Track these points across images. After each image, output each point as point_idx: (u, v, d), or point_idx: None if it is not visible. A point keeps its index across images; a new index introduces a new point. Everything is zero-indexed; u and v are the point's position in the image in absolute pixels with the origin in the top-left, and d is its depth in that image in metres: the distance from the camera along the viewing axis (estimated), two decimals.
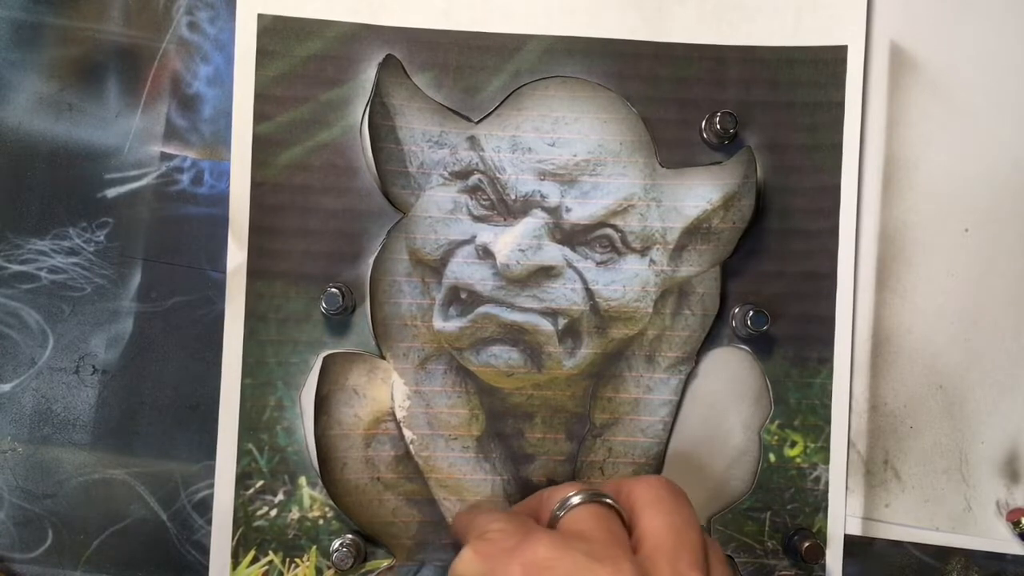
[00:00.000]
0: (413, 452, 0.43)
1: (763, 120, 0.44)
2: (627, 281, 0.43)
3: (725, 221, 0.44)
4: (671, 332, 0.44)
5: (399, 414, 0.43)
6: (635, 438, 0.44)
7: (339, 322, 0.43)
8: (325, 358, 0.43)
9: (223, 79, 0.44)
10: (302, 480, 0.43)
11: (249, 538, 0.43)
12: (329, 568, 0.43)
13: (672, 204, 0.44)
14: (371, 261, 0.43)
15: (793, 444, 0.44)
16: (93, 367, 0.44)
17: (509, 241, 0.43)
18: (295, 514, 0.43)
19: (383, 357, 0.43)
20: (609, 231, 0.43)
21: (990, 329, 0.45)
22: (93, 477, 0.43)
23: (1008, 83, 0.45)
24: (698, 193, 0.44)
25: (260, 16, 0.43)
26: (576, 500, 0.35)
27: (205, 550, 0.43)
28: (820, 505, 0.44)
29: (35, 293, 0.44)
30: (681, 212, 0.44)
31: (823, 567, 0.44)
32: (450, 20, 0.44)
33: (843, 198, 0.44)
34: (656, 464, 0.44)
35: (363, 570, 0.43)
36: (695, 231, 0.44)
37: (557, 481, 0.44)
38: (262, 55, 0.43)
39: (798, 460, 0.44)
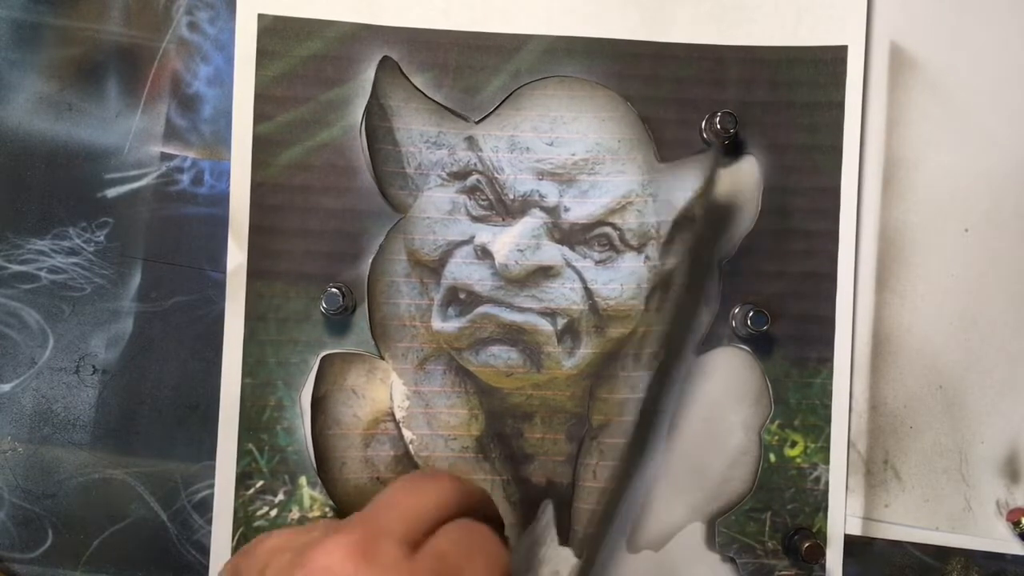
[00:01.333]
0: (412, 452, 0.43)
1: (763, 120, 0.44)
2: (625, 279, 0.43)
3: (712, 212, 0.44)
4: (658, 328, 0.44)
5: (398, 414, 0.43)
6: (620, 440, 0.44)
7: (339, 322, 0.43)
8: (323, 358, 0.43)
9: (223, 79, 0.44)
10: (302, 480, 0.43)
11: (249, 538, 0.43)
12: None
13: (666, 197, 0.44)
14: (371, 261, 0.43)
15: (793, 444, 0.44)
16: (93, 367, 0.44)
17: (508, 241, 0.43)
18: (295, 514, 0.43)
19: (382, 357, 0.43)
20: (608, 229, 0.43)
21: (990, 329, 0.45)
22: (93, 477, 0.43)
23: (1008, 83, 0.45)
24: (687, 184, 0.44)
25: (260, 16, 0.43)
26: None
27: (205, 550, 0.43)
28: (820, 505, 0.44)
29: (35, 293, 0.44)
30: (672, 204, 0.44)
31: (823, 567, 0.44)
32: (450, 20, 0.44)
33: (843, 198, 0.44)
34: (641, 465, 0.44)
35: None
36: (682, 221, 0.44)
37: (557, 482, 0.44)
38: (262, 55, 0.43)
39: (798, 460, 0.44)
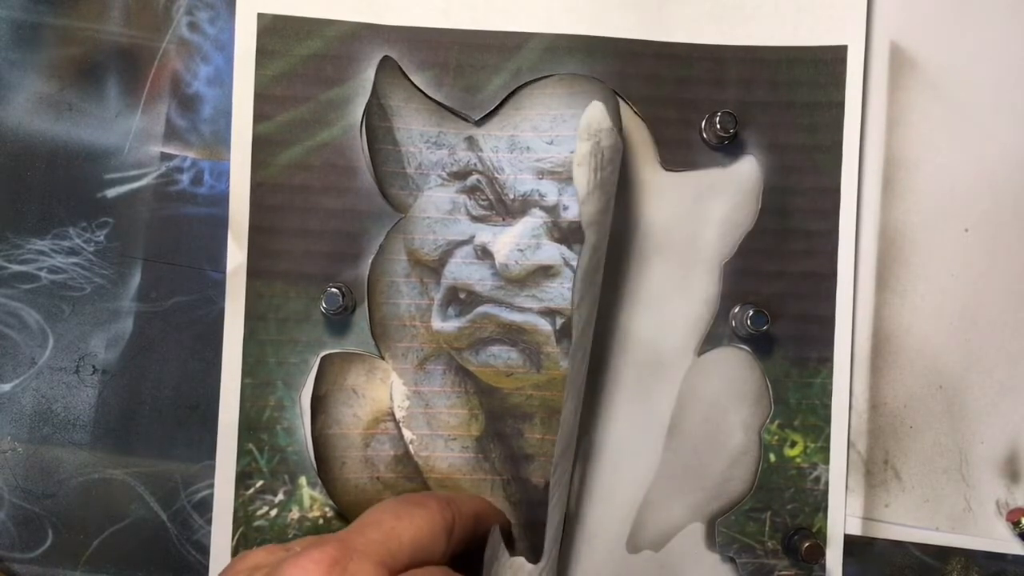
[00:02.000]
0: (412, 452, 0.43)
1: (763, 120, 0.44)
2: None
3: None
4: None
5: (398, 414, 0.43)
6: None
7: (339, 322, 0.43)
8: (323, 358, 0.43)
9: (223, 79, 0.44)
10: (302, 480, 0.43)
11: (249, 538, 0.43)
12: None
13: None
14: (371, 261, 0.43)
15: (793, 444, 0.44)
16: (93, 367, 0.44)
17: (508, 241, 0.43)
18: (295, 514, 0.43)
19: (382, 357, 0.43)
20: None
21: (990, 329, 0.45)
22: (93, 477, 0.43)
23: (1008, 83, 0.45)
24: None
25: (260, 15, 0.43)
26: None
27: (205, 550, 0.43)
28: (820, 505, 0.44)
29: (35, 293, 0.44)
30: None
31: (823, 567, 0.44)
32: (450, 19, 0.44)
33: (843, 198, 0.44)
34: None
35: None
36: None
37: None
38: (262, 55, 0.43)
39: (798, 460, 0.44)
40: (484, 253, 0.43)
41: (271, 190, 0.43)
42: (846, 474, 0.44)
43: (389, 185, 0.43)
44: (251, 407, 0.43)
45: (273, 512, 0.43)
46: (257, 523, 0.43)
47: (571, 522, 0.44)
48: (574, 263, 0.43)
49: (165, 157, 0.44)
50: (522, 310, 0.43)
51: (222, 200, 0.44)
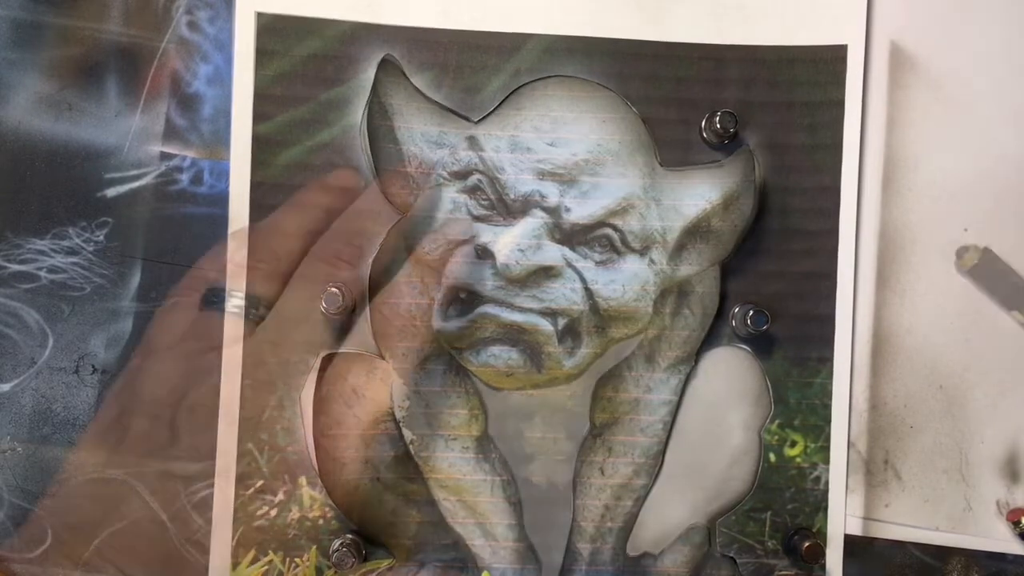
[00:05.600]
0: (412, 452, 0.43)
1: (763, 120, 0.44)
2: (627, 281, 0.43)
3: (724, 221, 0.44)
4: (671, 332, 0.44)
5: (398, 414, 0.43)
6: (635, 437, 0.44)
7: (339, 322, 0.43)
8: (324, 358, 0.43)
9: (223, 78, 0.44)
10: (302, 480, 0.43)
11: (249, 538, 0.43)
12: (329, 568, 0.43)
13: (671, 203, 0.44)
14: (371, 261, 0.43)
15: (793, 444, 0.44)
16: (93, 367, 0.44)
17: (508, 241, 0.43)
18: (295, 514, 0.43)
19: (383, 357, 0.43)
20: (608, 231, 0.43)
21: (990, 329, 0.45)
22: (93, 477, 0.43)
23: (1008, 83, 0.45)
24: (697, 192, 0.44)
25: (259, 15, 0.43)
26: None
27: (205, 550, 0.43)
28: (820, 505, 0.44)
29: (35, 293, 0.44)
30: (680, 211, 0.44)
31: (823, 567, 0.44)
32: (450, 19, 0.44)
33: (843, 198, 0.44)
34: (655, 463, 0.44)
35: (363, 570, 0.43)
36: (695, 231, 0.44)
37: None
38: (261, 54, 0.43)
39: (798, 460, 0.44)
40: (485, 253, 0.43)
41: (271, 190, 0.43)
42: (846, 474, 0.44)
43: (390, 184, 0.43)
44: (251, 407, 0.43)
45: (273, 512, 0.43)
46: (257, 523, 0.43)
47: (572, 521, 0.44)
48: (576, 264, 0.43)
49: (165, 157, 0.44)
50: (523, 310, 0.43)
51: (222, 200, 0.44)
